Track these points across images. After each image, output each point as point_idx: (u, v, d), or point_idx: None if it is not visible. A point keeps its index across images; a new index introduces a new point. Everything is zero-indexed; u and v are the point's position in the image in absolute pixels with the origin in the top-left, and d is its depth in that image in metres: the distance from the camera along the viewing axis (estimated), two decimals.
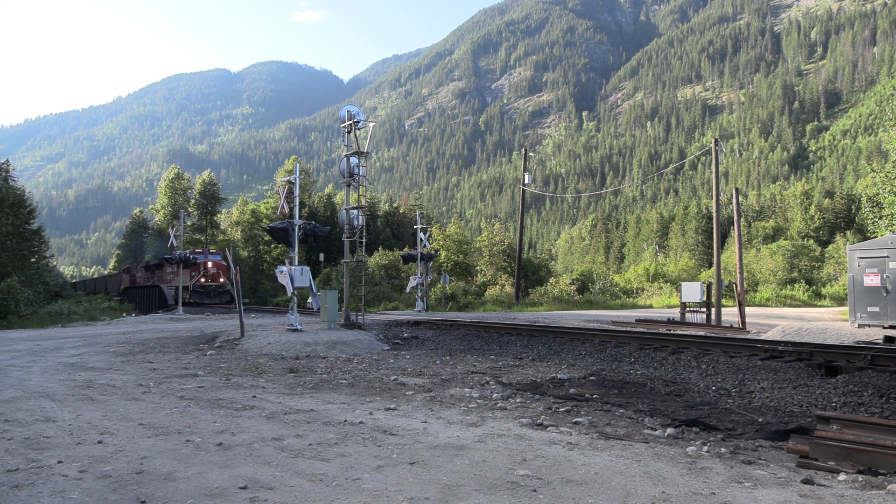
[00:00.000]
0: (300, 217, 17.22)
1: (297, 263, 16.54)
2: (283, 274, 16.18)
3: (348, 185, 18.22)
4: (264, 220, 55.90)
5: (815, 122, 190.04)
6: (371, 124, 18.85)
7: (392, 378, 9.36)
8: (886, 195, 29.32)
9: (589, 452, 5.04)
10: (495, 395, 7.92)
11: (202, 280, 35.90)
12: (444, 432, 5.73)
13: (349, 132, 18.01)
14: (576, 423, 6.36)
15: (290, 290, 16.23)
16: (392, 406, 7.06)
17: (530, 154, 45.67)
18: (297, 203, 16.87)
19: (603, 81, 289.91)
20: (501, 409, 7.02)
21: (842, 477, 4.47)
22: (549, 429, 5.99)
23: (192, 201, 67.12)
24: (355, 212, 18.20)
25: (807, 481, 4.31)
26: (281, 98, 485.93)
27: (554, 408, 7.13)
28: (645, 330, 16.56)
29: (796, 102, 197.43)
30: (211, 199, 67.18)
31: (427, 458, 4.82)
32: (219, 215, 70.94)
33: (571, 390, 8.45)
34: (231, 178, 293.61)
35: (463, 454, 4.93)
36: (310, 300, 18.12)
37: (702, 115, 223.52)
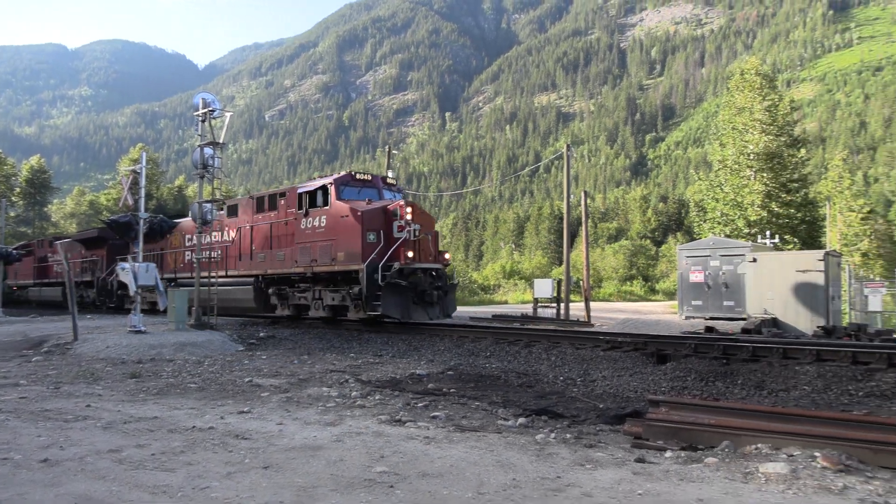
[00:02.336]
0: (147, 210, 15.95)
1: (141, 260, 15.35)
2: (125, 271, 14.92)
3: (202, 177, 17.16)
4: (104, 213, 51.22)
5: (654, 133, 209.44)
6: (228, 114, 17.90)
7: (246, 380, 8.98)
8: (710, 201, 33.01)
9: (445, 445, 5.16)
10: (354, 393, 7.86)
11: (412, 255, 13.97)
12: (300, 433, 5.59)
13: (203, 121, 16.96)
14: (433, 417, 6.48)
15: (132, 288, 15.01)
16: (245, 409, 6.77)
17: (394, 152, 45.78)
18: (143, 195, 15.60)
19: (465, 84, 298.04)
20: (360, 407, 6.98)
21: (668, 454, 4.95)
22: (407, 424, 6.05)
23: (18, 189, 60.08)
24: (209, 206, 17.20)
25: (639, 460, 4.72)
26: (126, 80, 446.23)
27: (413, 403, 7.22)
28: (500, 325, 17.22)
29: (638, 114, 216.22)
30: (40, 188, 60.58)
31: (281, 460, 4.68)
32: (50, 206, 64.08)
33: (430, 385, 8.61)
34: (65, 166, 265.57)
35: (320, 454, 4.84)
36: (154, 297, 16.90)
37: (556, 122, 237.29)
